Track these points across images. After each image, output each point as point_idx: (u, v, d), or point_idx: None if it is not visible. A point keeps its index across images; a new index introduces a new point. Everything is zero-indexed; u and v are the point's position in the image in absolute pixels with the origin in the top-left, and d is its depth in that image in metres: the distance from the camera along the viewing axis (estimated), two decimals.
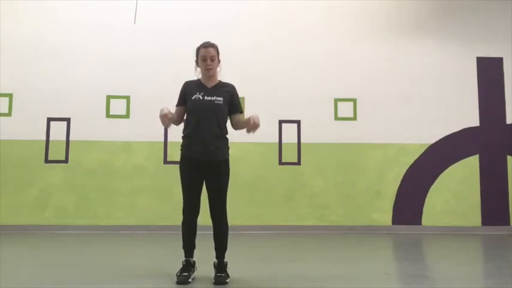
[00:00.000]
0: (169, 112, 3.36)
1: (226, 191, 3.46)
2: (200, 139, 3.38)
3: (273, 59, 6.81)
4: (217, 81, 3.56)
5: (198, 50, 3.52)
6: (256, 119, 3.33)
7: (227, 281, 3.32)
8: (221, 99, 3.45)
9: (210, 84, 3.51)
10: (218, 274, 3.35)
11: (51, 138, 6.50)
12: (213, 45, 3.51)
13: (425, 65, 6.96)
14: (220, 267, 3.41)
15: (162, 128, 6.47)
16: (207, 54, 3.46)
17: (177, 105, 3.55)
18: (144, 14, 6.71)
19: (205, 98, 3.43)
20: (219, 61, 3.54)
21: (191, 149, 3.41)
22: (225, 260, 3.46)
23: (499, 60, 7.03)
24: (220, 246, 3.46)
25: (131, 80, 6.65)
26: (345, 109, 6.83)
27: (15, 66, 6.56)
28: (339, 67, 6.87)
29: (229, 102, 3.50)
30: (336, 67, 6.87)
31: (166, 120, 3.32)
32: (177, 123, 3.53)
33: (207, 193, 3.44)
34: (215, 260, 3.46)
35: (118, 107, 6.63)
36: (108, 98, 6.65)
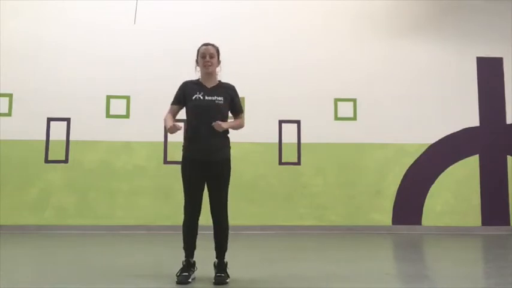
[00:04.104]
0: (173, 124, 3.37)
1: (227, 190, 3.47)
2: (201, 139, 3.39)
3: (273, 59, 6.81)
4: (217, 82, 3.57)
5: (198, 49, 3.56)
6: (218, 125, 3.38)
7: (227, 281, 3.32)
8: (221, 98, 3.46)
9: (209, 84, 3.52)
10: (218, 274, 3.35)
11: (51, 138, 6.50)
12: (214, 45, 3.55)
13: (425, 65, 6.96)
14: (221, 267, 3.41)
15: (162, 128, 6.52)
16: (206, 52, 3.49)
17: (172, 104, 3.56)
18: (144, 14, 6.71)
19: (206, 97, 3.44)
20: (219, 62, 3.55)
21: (193, 149, 3.42)
22: (225, 260, 3.46)
23: (499, 60, 7.03)
24: (221, 246, 3.46)
25: (131, 80, 6.66)
26: (345, 109, 6.83)
27: (15, 66, 6.56)
28: (339, 67, 6.87)
29: (230, 103, 3.52)
30: (336, 67, 6.87)
31: (173, 128, 3.35)
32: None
33: (208, 193, 3.44)
34: (215, 259, 3.46)
35: (118, 107, 6.64)
36: (108, 98, 6.65)
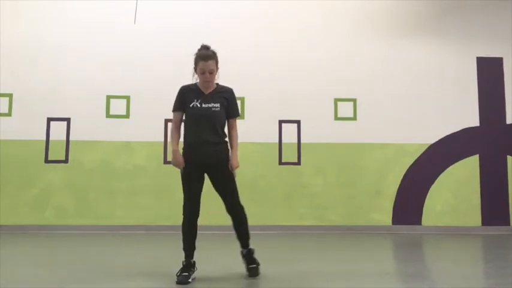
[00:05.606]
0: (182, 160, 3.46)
1: (234, 180, 3.55)
2: (199, 146, 3.44)
3: (273, 59, 6.80)
4: (215, 86, 3.56)
5: (196, 60, 3.47)
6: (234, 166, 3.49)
7: (260, 271, 3.44)
8: (218, 105, 3.47)
9: (207, 90, 3.52)
10: (250, 266, 3.47)
11: (51, 138, 6.50)
12: (213, 57, 3.45)
13: (425, 65, 6.96)
14: (250, 258, 3.51)
15: (162, 128, 6.54)
16: (205, 68, 3.42)
17: (175, 111, 3.56)
18: (144, 14, 6.71)
19: (203, 105, 3.46)
20: (217, 68, 3.51)
21: (191, 153, 3.47)
22: (251, 247, 3.55)
23: (499, 60, 7.03)
24: (242, 234, 3.55)
25: (131, 80, 6.65)
26: (345, 109, 6.83)
27: (15, 66, 6.56)
28: (339, 67, 6.87)
29: (226, 107, 3.53)
30: (336, 67, 6.86)
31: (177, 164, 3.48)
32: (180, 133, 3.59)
33: (218, 193, 3.54)
34: (241, 249, 3.56)
35: (118, 107, 6.64)
36: (108, 98, 6.65)
